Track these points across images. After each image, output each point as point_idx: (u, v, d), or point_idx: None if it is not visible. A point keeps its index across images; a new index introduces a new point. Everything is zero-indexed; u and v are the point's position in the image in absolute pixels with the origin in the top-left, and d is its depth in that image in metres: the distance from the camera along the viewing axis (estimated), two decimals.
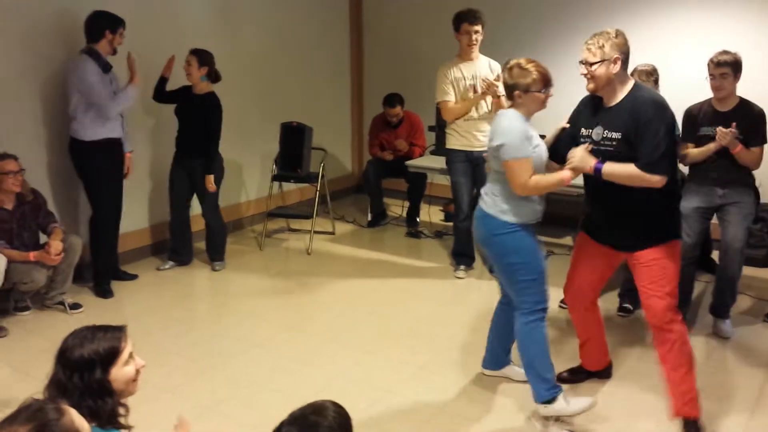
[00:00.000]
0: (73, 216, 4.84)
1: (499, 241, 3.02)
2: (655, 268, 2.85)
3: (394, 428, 3.05)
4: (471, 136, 4.75)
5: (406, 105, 6.18)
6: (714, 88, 3.85)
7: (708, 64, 3.84)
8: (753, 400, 3.30)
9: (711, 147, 3.81)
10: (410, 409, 3.21)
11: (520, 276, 3.01)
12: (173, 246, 5.17)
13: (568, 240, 5.88)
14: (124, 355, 1.92)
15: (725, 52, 3.80)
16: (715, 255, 4.57)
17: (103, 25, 4.36)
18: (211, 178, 4.91)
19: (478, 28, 4.62)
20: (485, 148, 4.64)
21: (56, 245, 4.04)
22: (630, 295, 4.34)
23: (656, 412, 3.17)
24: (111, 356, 1.88)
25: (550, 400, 2.99)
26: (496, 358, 3.46)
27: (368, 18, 7.33)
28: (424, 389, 3.39)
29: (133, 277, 4.91)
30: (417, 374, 3.57)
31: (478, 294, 4.72)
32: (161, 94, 4.92)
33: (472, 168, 4.78)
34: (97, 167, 4.49)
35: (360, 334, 4.05)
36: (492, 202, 3.04)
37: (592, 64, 2.81)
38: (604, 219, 3.01)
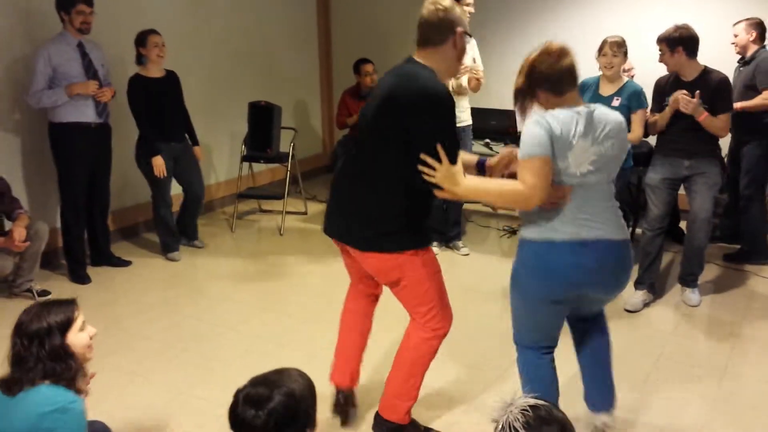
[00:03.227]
0: (42, 202, 4.76)
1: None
2: None
3: (369, 405, 3.06)
4: None
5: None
6: (662, 63, 3.94)
7: None
8: (721, 367, 3.36)
9: (667, 111, 3.88)
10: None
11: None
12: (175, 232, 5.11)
13: None
14: (78, 323, 2.05)
15: (670, 29, 3.82)
16: (683, 225, 4.64)
17: (58, 8, 4.28)
18: (200, 148, 5.11)
19: (472, 0, 4.55)
20: (462, 124, 4.66)
21: (19, 231, 3.95)
22: None
23: (630, 380, 3.22)
24: (66, 323, 2.02)
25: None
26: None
27: None
28: None
29: (127, 263, 4.85)
30: (391, 351, 3.57)
31: (449, 269, 4.74)
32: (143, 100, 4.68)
33: None
34: (61, 150, 4.41)
35: (334, 313, 4.01)
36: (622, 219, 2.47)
37: None
38: None
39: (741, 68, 4.54)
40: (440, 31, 2.39)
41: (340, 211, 2.57)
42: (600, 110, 2.37)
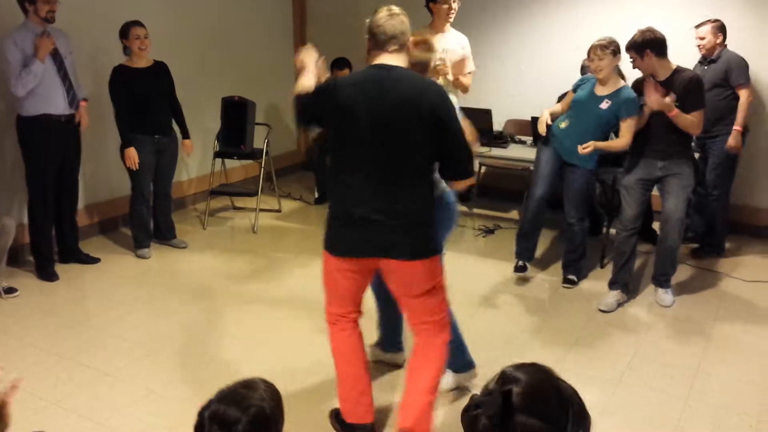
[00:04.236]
0: (8, 196, 4.63)
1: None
2: None
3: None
4: None
5: None
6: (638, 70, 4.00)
7: None
8: (694, 366, 3.39)
9: (645, 112, 3.91)
10: None
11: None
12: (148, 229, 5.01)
13: (514, 214, 5.94)
14: None
15: (635, 35, 3.87)
16: (655, 226, 4.69)
17: None
18: (190, 141, 5.07)
19: None
20: None
21: None
22: (574, 266, 4.41)
23: (603, 380, 3.23)
24: None
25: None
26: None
27: None
28: (376, 366, 3.38)
29: (96, 260, 4.75)
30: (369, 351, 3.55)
31: None
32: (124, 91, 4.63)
33: None
34: (30, 144, 4.30)
35: (309, 311, 4.00)
36: None
37: None
38: None
39: (706, 67, 4.65)
40: (403, 36, 2.49)
41: (376, 224, 2.46)
42: None
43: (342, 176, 2.52)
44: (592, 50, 4.04)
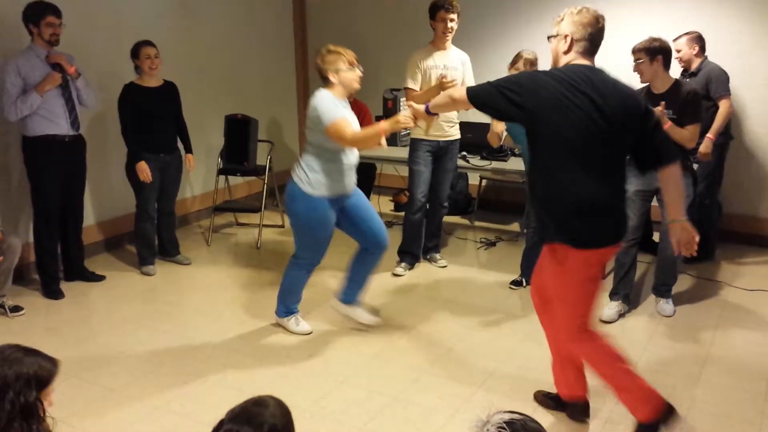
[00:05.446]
0: (14, 216, 4.69)
1: (291, 204, 3.67)
2: None
3: (348, 420, 3.05)
4: (438, 126, 4.59)
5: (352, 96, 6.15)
6: (637, 73, 3.99)
7: None
8: (695, 375, 3.41)
9: None
10: (364, 398, 3.22)
11: (299, 233, 3.79)
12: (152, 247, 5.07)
13: (515, 227, 5.97)
14: (53, 385, 1.82)
15: (648, 39, 3.92)
16: (656, 237, 4.71)
17: (25, 20, 4.22)
18: (193, 156, 5.17)
19: (454, 16, 4.57)
20: (451, 138, 4.73)
21: None
22: None
23: (605, 390, 3.25)
24: (48, 378, 1.83)
25: (283, 318, 3.97)
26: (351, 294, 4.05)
27: (312, 9, 7.28)
28: (378, 379, 3.40)
29: (101, 278, 4.79)
30: (370, 364, 3.58)
31: (428, 281, 4.76)
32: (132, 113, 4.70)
33: (434, 159, 4.77)
34: (35, 164, 4.35)
35: (314, 325, 4.03)
36: (298, 169, 3.67)
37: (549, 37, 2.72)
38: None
39: (687, 80, 4.70)
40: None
41: (619, 207, 2.73)
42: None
43: (566, 171, 2.55)
44: (521, 61, 4.22)
